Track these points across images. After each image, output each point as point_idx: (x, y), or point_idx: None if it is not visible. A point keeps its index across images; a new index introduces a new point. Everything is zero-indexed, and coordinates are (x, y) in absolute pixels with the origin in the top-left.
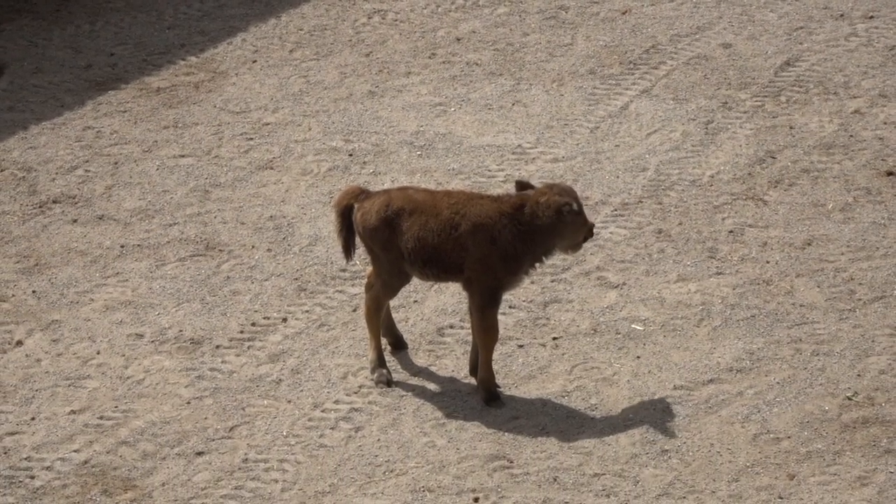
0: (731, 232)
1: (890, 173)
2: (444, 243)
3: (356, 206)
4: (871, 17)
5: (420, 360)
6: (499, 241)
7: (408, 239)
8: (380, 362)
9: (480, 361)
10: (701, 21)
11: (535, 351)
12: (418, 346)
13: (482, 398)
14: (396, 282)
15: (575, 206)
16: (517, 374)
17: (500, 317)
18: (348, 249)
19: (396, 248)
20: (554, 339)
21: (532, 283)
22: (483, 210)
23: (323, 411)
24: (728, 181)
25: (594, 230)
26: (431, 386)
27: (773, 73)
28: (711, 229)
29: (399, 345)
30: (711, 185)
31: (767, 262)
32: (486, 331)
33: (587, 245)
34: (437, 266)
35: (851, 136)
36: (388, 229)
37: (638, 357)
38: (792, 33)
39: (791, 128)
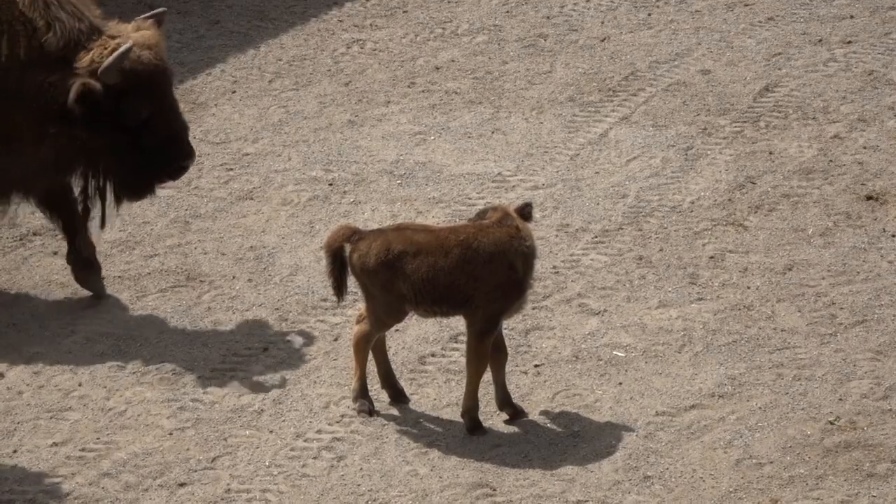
0: (711, 258)
1: (870, 198)
2: (457, 279)
3: (350, 247)
4: (850, 43)
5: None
6: (514, 267)
7: (415, 281)
8: (362, 392)
9: (467, 390)
10: (679, 48)
11: (517, 378)
12: (400, 374)
13: (466, 427)
14: (392, 320)
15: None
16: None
17: None
18: (339, 289)
19: (398, 290)
20: (536, 366)
21: None
22: (496, 238)
23: (305, 441)
24: (708, 207)
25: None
26: (413, 415)
27: (752, 99)
28: (692, 255)
29: (399, 398)
30: (692, 211)
31: (748, 288)
32: (480, 357)
33: (568, 272)
34: (448, 303)
35: (831, 160)
36: (388, 272)
37: (620, 383)
38: (770, 59)
39: (770, 153)
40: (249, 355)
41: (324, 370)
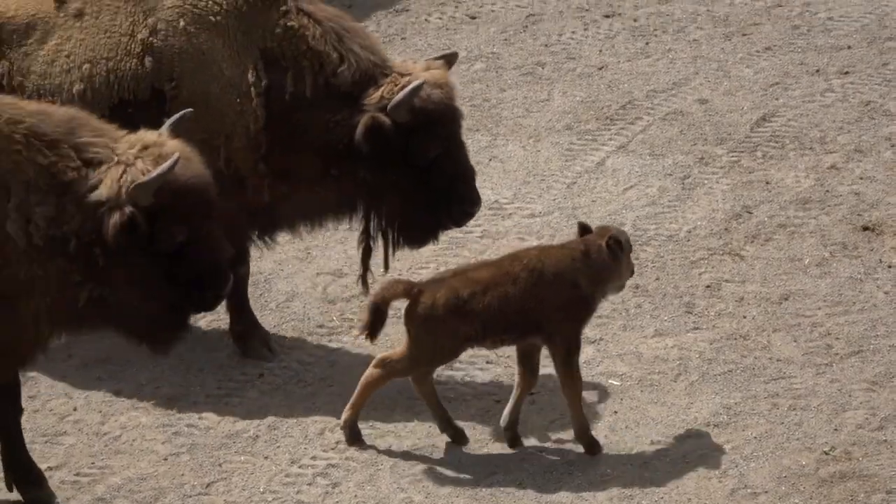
0: (708, 287)
1: (866, 228)
2: (526, 303)
3: (409, 301)
4: (847, 73)
5: (398, 415)
6: (579, 285)
7: (486, 318)
8: (353, 423)
9: (573, 413)
10: (677, 77)
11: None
12: (396, 402)
13: (584, 449)
14: (442, 363)
15: (626, 248)
16: (495, 430)
17: (476, 372)
18: (374, 336)
19: (464, 333)
20: (531, 393)
21: None
22: (558, 258)
23: (300, 467)
24: (705, 236)
25: (633, 270)
26: (408, 442)
27: (749, 129)
28: (688, 284)
29: (460, 438)
30: (688, 241)
31: (744, 317)
32: (574, 379)
33: None
34: (517, 330)
35: (828, 191)
36: (457, 318)
37: (615, 412)
38: (768, 89)
39: (767, 183)
40: (245, 381)
41: (319, 396)
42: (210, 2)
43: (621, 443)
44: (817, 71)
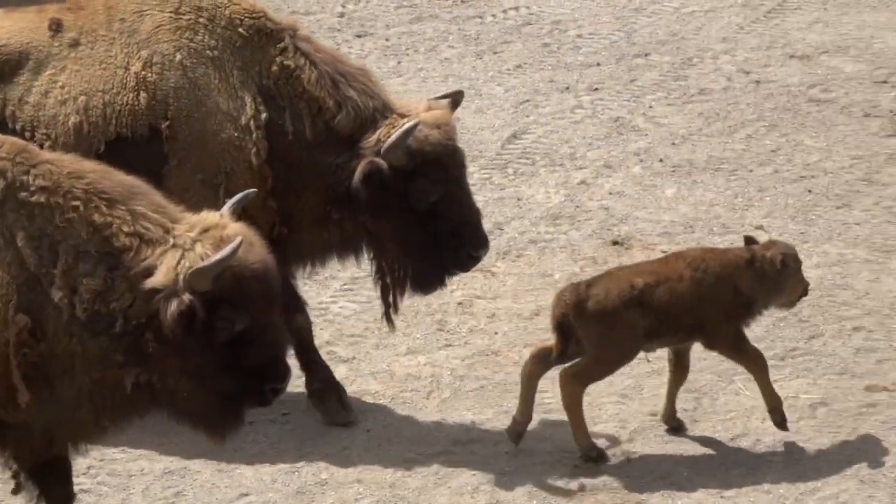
0: (459, 304)
1: (615, 243)
2: (692, 302)
3: (579, 299)
4: (596, 90)
5: (149, 438)
6: (740, 290)
7: (660, 313)
8: (590, 444)
9: (764, 389)
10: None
11: (265, 427)
12: (146, 423)
13: (775, 422)
14: (623, 364)
15: (794, 262)
16: (247, 452)
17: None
18: (566, 356)
19: (640, 328)
20: (284, 414)
21: None
22: (723, 261)
23: None
24: None
25: (808, 289)
26: (160, 465)
27: (500, 146)
28: (440, 301)
29: (516, 439)
30: None
31: (496, 333)
32: (753, 359)
33: (317, 320)
34: (684, 330)
35: (577, 206)
36: (633, 308)
37: (368, 430)
38: (518, 106)
39: (518, 199)
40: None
41: None
42: (206, 35)
43: (375, 461)
44: (567, 88)
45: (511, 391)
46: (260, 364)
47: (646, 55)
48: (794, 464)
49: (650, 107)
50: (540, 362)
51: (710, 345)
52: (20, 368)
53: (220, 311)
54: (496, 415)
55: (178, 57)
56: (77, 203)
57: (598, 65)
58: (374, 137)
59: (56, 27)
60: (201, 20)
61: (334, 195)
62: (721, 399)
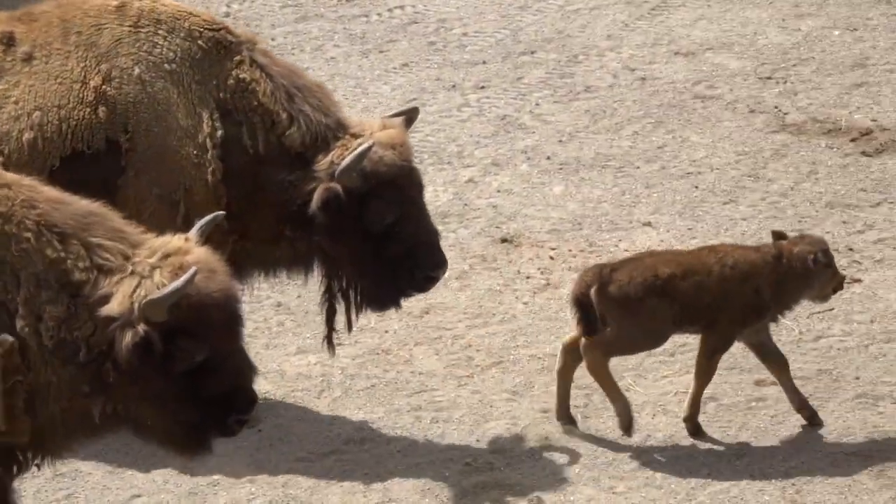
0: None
1: (504, 240)
2: (717, 297)
3: (601, 283)
4: (483, 88)
5: None
6: (761, 291)
7: (684, 302)
8: (628, 414)
9: (692, 400)
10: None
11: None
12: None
13: (688, 431)
14: (648, 346)
15: (823, 257)
16: (139, 453)
17: None
18: (595, 330)
19: (662, 315)
20: None
21: None
22: (750, 260)
23: None
24: None
25: (844, 282)
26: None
27: None
28: None
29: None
30: None
31: (386, 332)
32: (708, 373)
33: None
34: (704, 321)
35: (466, 204)
36: (656, 297)
37: (259, 430)
38: (405, 105)
39: None
40: None
41: None
42: (165, 49)
43: (266, 461)
44: (454, 86)
45: (402, 389)
46: (222, 394)
47: (532, 53)
48: (685, 458)
49: (537, 104)
50: (570, 354)
51: (705, 336)
52: (8, 395)
53: (179, 341)
54: (387, 413)
55: (137, 71)
56: (29, 235)
57: (485, 63)
58: (327, 159)
59: (8, 41)
60: (160, 32)
61: (287, 213)
62: None
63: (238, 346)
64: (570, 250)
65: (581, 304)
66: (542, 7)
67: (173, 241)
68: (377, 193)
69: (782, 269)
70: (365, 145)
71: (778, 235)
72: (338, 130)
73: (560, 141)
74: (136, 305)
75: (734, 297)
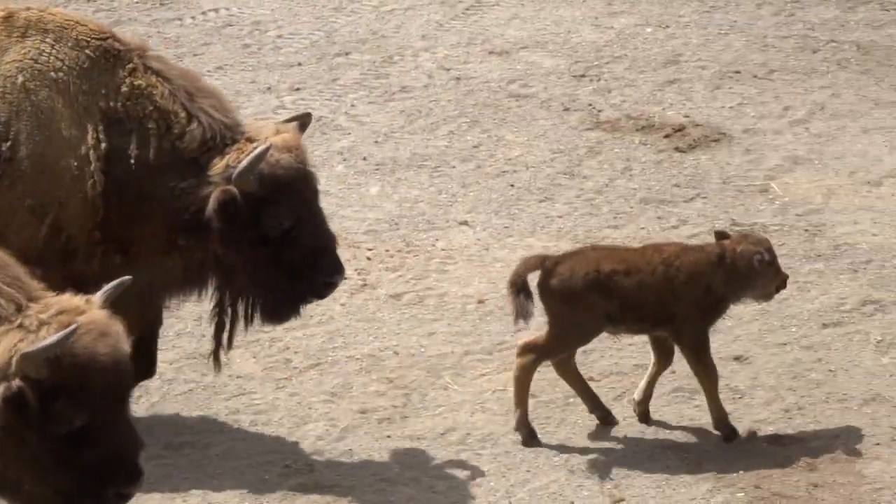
0: (166, 307)
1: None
2: (662, 296)
3: (543, 273)
4: (298, 90)
5: None
6: (712, 288)
7: (625, 299)
8: (525, 420)
9: (710, 403)
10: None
11: None
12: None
13: (723, 437)
14: (582, 342)
15: (766, 257)
16: None
17: None
18: (529, 317)
19: (602, 309)
20: None
21: None
22: (696, 260)
23: None
24: None
25: (786, 281)
26: None
27: None
28: None
29: (608, 419)
30: None
31: (203, 336)
32: (708, 372)
33: None
34: (651, 321)
35: None
36: (594, 293)
37: None
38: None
39: None
40: None
41: None
42: (52, 57)
43: None
44: (269, 88)
45: (220, 393)
46: (103, 465)
47: (346, 54)
48: (503, 456)
49: (352, 105)
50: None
51: (678, 340)
52: None
53: (57, 403)
54: (205, 417)
55: (21, 79)
56: None
57: (300, 64)
58: (222, 163)
59: None
60: (47, 41)
61: (180, 222)
62: (430, 394)
63: (124, 415)
64: (387, 250)
65: (517, 289)
66: (356, 8)
67: (73, 300)
68: (274, 197)
69: (726, 267)
70: (262, 148)
71: (721, 235)
72: (235, 133)
73: (376, 141)
74: (13, 359)
75: (684, 298)
